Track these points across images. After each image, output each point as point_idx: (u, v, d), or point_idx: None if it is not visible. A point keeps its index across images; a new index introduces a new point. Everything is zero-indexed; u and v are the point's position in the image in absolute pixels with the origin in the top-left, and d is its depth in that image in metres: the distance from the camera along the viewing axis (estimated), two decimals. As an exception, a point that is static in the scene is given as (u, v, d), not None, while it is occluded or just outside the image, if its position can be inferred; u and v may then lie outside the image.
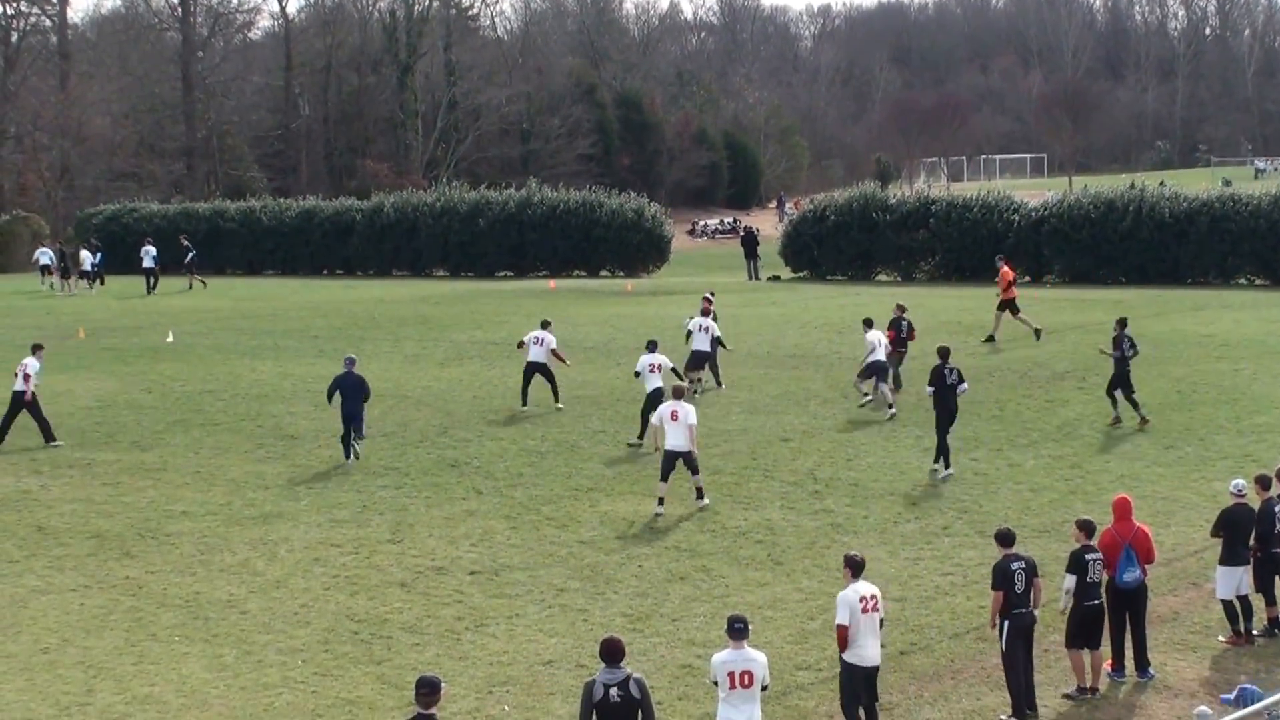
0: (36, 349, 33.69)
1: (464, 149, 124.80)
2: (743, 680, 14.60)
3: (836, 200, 70.52)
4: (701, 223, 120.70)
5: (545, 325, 35.61)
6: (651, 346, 32.09)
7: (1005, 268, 44.98)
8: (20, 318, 56.83)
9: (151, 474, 29.87)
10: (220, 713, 17.67)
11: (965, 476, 27.97)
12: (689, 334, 36.84)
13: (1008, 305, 44.22)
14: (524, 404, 35.16)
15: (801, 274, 69.93)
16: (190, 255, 70.29)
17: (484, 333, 47.95)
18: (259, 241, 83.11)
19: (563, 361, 35.43)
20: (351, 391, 30.38)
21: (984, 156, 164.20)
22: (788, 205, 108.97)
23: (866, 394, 34.70)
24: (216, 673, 18.99)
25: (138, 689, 18.41)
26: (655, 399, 29.95)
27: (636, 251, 76.71)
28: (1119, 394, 32.09)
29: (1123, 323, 32.49)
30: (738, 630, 14.73)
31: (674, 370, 31.84)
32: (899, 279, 67.01)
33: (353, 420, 30.53)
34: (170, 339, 48.37)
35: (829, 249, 69.18)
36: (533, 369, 34.96)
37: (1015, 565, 17.02)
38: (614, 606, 21.32)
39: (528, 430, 32.99)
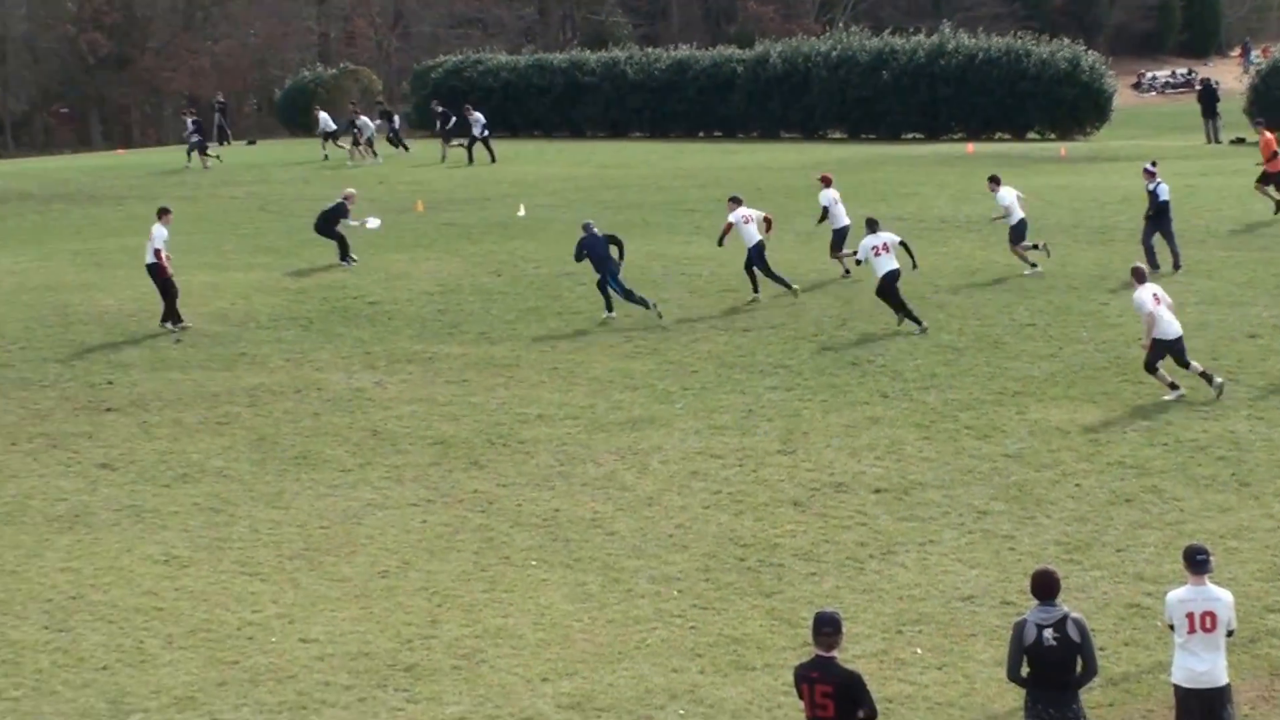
0: (162, 213, 35.28)
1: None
2: (1204, 623, 14.24)
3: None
4: (1149, 75, 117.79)
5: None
6: (872, 225, 32.46)
7: (1267, 134, 43.07)
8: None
9: (503, 371, 30.60)
10: (584, 649, 18.04)
11: None
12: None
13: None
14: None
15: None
16: (452, 121, 70.89)
17: (889, 206, 47.62)
18: (623, 98, 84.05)
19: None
20: (601, 251, 33.52)
21: None
22: (1254, 53, 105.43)
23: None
24: (579, 603, 19.39)
25: (489, 620, 18.92)
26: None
27: (1070, 109, 75.21)
28: None
29: None
30: (1199, 563, 14.36)
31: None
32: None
33: (613, 281, 33.06)
34: (522, 213, 49.32)
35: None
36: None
37: None
38: (1046, 533, 21.07)
39: (941, 322, 32.69)
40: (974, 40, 77.79)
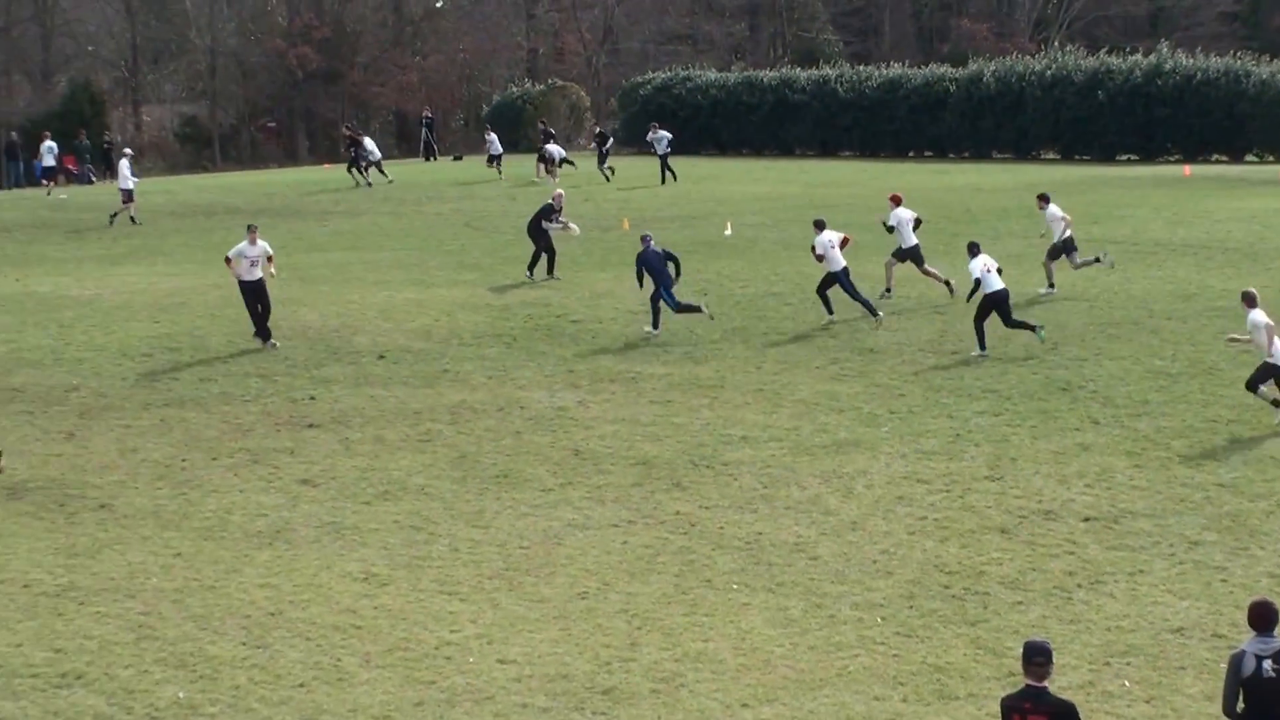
0: (250, 230, 36.05)
1: (1078, 6, 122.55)
2: None
3: None
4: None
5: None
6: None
7: None
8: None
9: (707, 391, 30.58)
10: (785, 675, 17.92)
11: None
12: None
13: None
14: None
15: None
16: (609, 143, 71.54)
17: (1102, 228, 47.08)
18: (833, 117, 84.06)
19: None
20: (659, 265, 34.89)
21: None
22: None
23: None
24: (781, 628, 19.28)
25: (689, 644, 18.86)
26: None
27: (1292, 132, 73.96)
28: None
29: None
30: None
31: None
32: None
33: (666, 294, 34.87)
34: (729, 231, 49.35)
35: None
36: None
37: None
38: (1260, 565, 20.68)
39: (1153, 347, 32.23)
40: (1192, 60, 76.95)
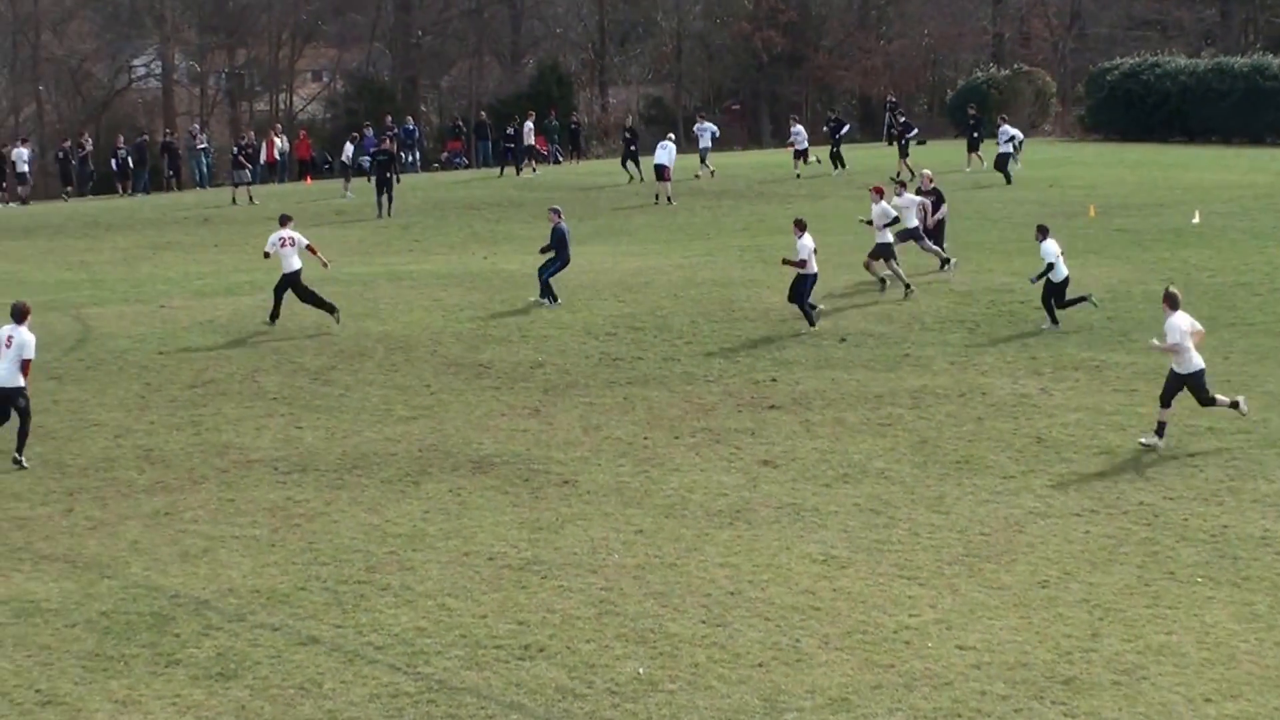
0: (284, 220, 36.82)
1: None
2: None
3: None
4: None
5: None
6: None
7: None
8: (1024, 190, 58.29)
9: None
10: (1249, 671, 17.53)
11: None
12: None
13: None
14: None
15: None
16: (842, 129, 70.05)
17: None
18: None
19: None
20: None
21: None
22: None
23: None
24: (1245, 623, 18.87)
25: (1151, 636, 18.58)
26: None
27: None
28: None
29: None
30: None
31: None
32: None
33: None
34: (1197, 219, 48.28)
35: None
36: None
37: None
38: None
39: None
40: None
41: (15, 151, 72.87)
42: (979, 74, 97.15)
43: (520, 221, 54.09)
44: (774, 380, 31.27)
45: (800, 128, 69.59)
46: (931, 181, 42.64)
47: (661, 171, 58.51)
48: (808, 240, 35.16)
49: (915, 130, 70.07)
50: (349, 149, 69.95)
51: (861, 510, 23.44)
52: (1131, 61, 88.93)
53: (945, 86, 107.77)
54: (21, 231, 58.48)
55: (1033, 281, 35.19)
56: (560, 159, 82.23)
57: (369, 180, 62.13)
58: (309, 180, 79.40)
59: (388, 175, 58.23)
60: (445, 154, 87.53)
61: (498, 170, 73.38)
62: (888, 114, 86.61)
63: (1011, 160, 62.04)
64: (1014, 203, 53.24)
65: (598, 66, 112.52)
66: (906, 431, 27.54)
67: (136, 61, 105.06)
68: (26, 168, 73.47)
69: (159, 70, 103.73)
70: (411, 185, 65.83)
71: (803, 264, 35.07)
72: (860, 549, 21.78)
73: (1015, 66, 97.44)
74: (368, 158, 65.86)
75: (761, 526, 22.83)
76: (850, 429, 27.82)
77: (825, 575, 20.79)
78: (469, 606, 19.80)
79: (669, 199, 57.80)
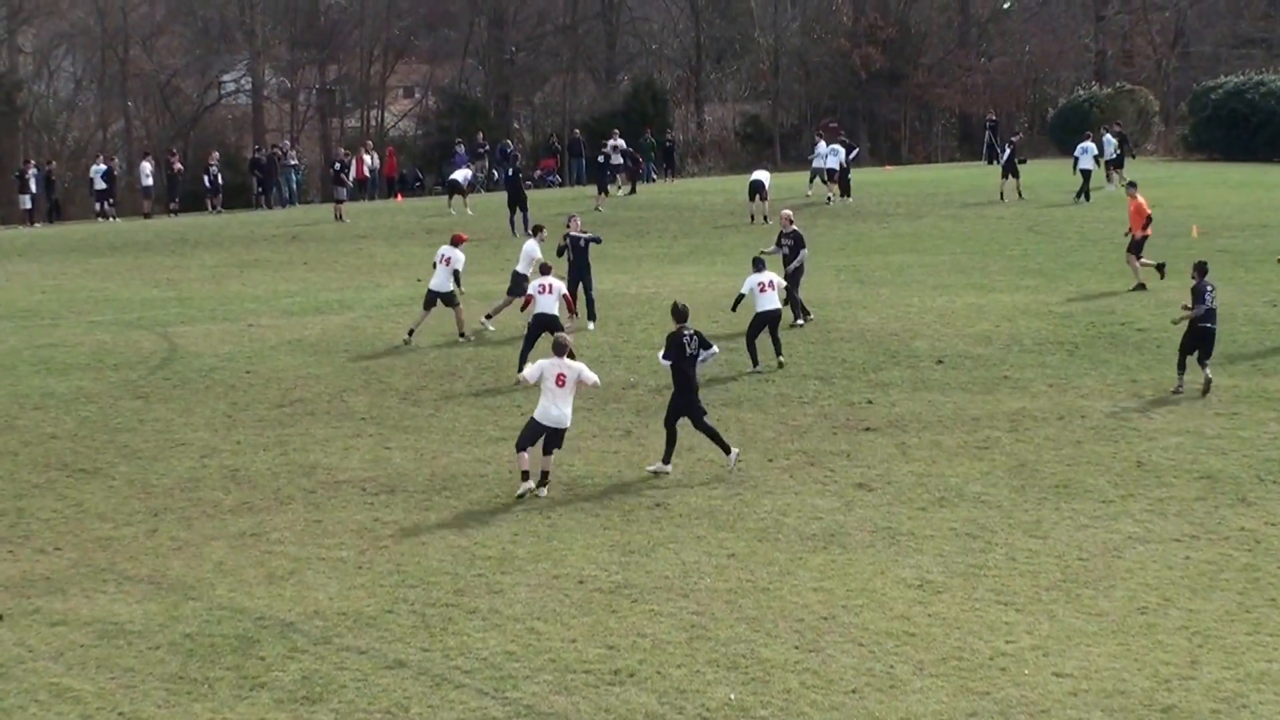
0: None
1: None
2: None
3: None
4: None
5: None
6: (758, 265, 35.43)
7: None
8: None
9: (1276, 404, 29.84)
10: (1355, 704, 17.41)
11: None
12: None
13: None
14: None
15: None
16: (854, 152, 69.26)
17: None
18: None
19: None
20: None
21: None
22: None
23: None
24: (1352, 654, 18.73)
25: (1251, 664, 18.43)
26: None
27: None
28: None
29: None
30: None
31: None
32: None
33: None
34: (1300, 241, 47.95)
35: None
36: None
37: None
38: None
39: None
40: None
41: (95, 169, 74.02)
42: (1080, 92, 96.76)
43: (613, 241, 54.06)
44: (870, 402, 31.22)
45: (824, 145, 67.43)
46: (791, 223, 39.60)
47: (758, 190, 58.53)
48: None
49: (1010, 149, 68.94)
50: (467, 173, 70.14)
51: (957, 535, 23.35)
52: (1236, 80, 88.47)
53: (1046, 105, 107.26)
54: (108, 248, 59.07)
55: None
56: (654, 177, 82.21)
57: (455, 197, 62.84)
58: (399, 198, 79.84)
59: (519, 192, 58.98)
60: (538, 172, 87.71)
61: (597, 192, 69.57)
62: (987, 132, 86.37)
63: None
64: (1115, 223, 52.84)
65: (694, 84, 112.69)
66: (1004, 455, 27.43)
67: (226, 77, 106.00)
68: (149, 181, 74.70)
69: (249, 86, 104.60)
70: (503, 203, 65.96)
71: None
72: (956, 574, 21.70)
73: (1118, 84, 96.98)
74: (505, 175, 65.99)
75: (856, 550, 22.77)
76: (947, 452, 27.73)
77: (920, 600, 20.72)
78: (558, 630, 19.80)
79: (764, 217, 57.76)
